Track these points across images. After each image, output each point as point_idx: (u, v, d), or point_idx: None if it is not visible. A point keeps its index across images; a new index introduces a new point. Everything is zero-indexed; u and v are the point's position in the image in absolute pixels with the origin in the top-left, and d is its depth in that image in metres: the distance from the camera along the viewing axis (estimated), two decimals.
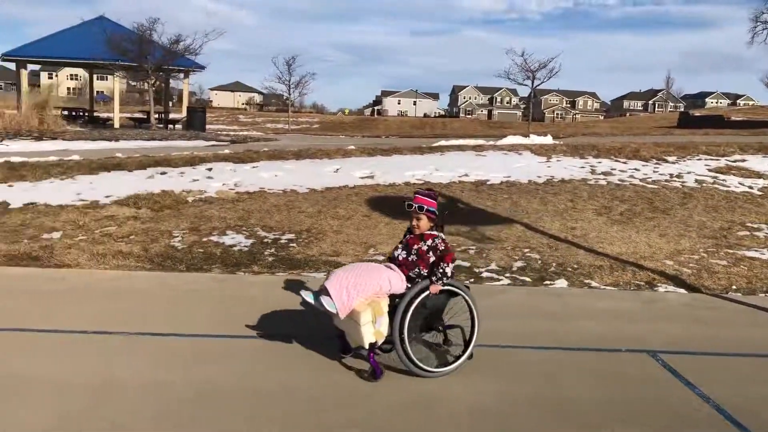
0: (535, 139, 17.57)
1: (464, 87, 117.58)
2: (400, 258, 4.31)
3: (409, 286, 4.23)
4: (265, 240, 7.79)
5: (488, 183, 11.15)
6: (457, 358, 4.31)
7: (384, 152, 14.57)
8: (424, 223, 4.27)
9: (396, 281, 4.19)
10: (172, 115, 31.23)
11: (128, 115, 33.63)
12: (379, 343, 4.12)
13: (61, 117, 26.98)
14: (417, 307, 4.14)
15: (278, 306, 5.48)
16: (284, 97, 52.55)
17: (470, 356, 4.35)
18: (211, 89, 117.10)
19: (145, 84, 42.98)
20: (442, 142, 17.09)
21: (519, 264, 7.09)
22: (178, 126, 28.95)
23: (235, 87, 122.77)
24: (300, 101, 71.88)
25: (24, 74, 29.24)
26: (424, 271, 4.24)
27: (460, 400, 3.94)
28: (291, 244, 7.63)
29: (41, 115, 24.44)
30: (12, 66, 32.23)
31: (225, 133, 29.41)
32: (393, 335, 4.09)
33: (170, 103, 34.93)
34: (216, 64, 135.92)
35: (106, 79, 70.04)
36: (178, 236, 7.80)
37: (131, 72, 30.53)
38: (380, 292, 4.12)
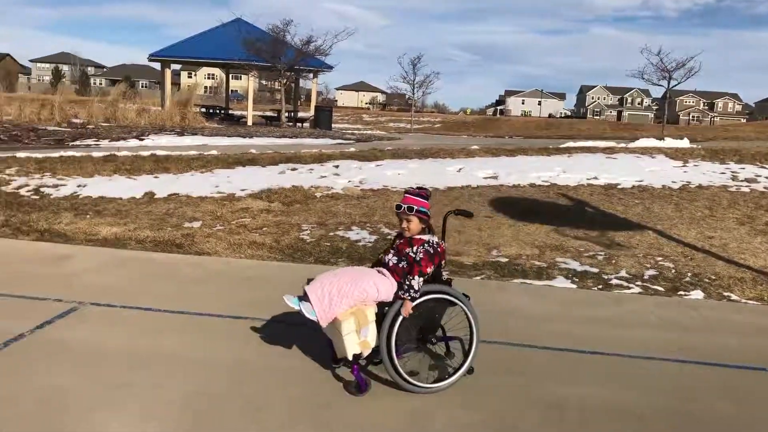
0: (670, 143, 16.69)
1: (592, 87, 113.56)
2: (391, 264, 3.93)
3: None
4: (388, 237, 7.91)
5: (619, 187, 10.73)
6: (455, 372, 3.98)
7: (508, 153, 14.39)
8: (414, 226, 3.90)
9: (385, 288, 3.82)
10: (300, 114, 32.42)
11: (259, 113, 35.27)
12: (365, 354, 3.80)
13: (200, 114, 28.72)
14: (407, 318, 3.80)
15: None
16: (407, 97, 53.07)
17: (470, 370, 4.02)
18: (337, 89, 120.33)
19: (276, 83, 44.88)
20: (570, 144, 16.62)
21: (651, 272, 6.77)
22: (306, 124, 30.02)
23: (360, 87, 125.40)
24: (422, 101, 72.29)
25: (168, 74, 31.41)
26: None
27: (589, 406, 3.83)
28: None
29: (183, 112, 26.18)
30: (156, 65, 34.70)
31: (350, 131, 30.13)
32: (380, 347, 3.77)
33: (298, 102, 36.22)
34: (342, 64, 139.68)
35: (240, 79, 73.79)
36: (306, 230, 8.10)
37: (264, 72, 32.00)
38: (367, 299, 3.77)
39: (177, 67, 67.05)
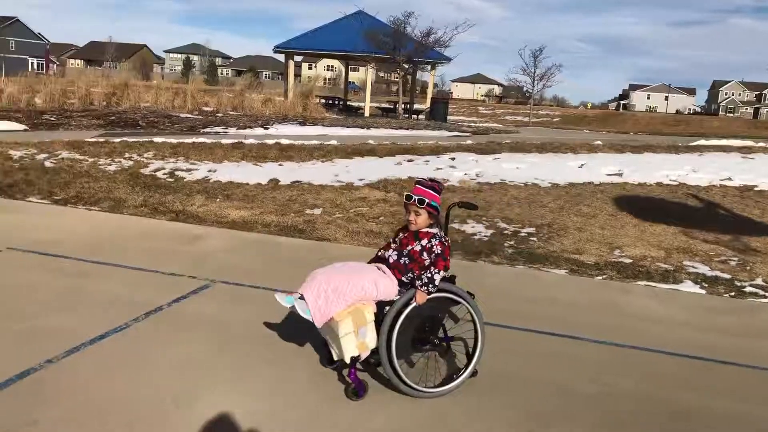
0: None
1: (727, 82, 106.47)
2: (391, 260, 3.70)
3: (403, 291, 3.66)
4: (505, 232, 7.82)
5: (756, 189, 10.02)
6: (458, 374, 3.78)
7: (634, 149, 13.80)
8: (422, 220, 3.64)
9: (385, 286, 3.59)
10: (416, 106, 32.55)
11: (376, 104, 35.76)
12: (363, 356, 3.56)
13: (320, 105, 29.52)
14: (409, 317, 3.58)
15: (520, 297, 5.50)
16: (524, 90, 51.97)
17: (474, 373, 3.82)
18: (453, 81, 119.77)
19: (394, 75, 45.24)
20: (702, 142, 15.71)
21: None
22: (422, 116, 30.12)
23: (476, 79, 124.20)
24: (540, 94, 70.58)
25: (291, 65, 32.45)
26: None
27: (718, 417, 3.63)
28: (531, 238, 7.58)
29: (305, 102, 27.00)
30: (280, 57, 35.97)
31: (466, 124, 29.95)
32: (380, 349, 3.54)
33: (414, 94, 36.38)
34: (458, 56, 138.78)
35: (358, 70, 75.14)
36: None
37: (383, 64, 32.37)
38: (365, 297, 3.54)
39: (298, 58, 69.51)
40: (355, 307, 3.52)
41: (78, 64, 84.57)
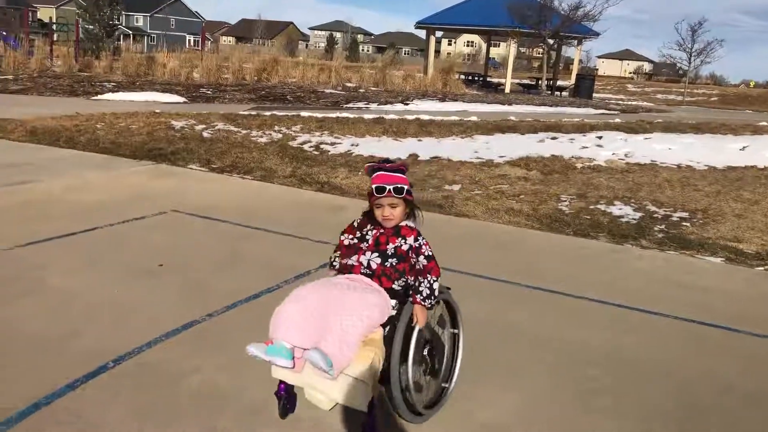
0: None
1: None
2: (375, 265, 2.93)
3: (394, 306, 2.92)
4: (655, 215, 7.43)
5: None
6: (444, 392, 3.19)
7: None
8: (400, 212, 2.96)
9: (385, 306, 2.86)
10: (559, 82, 31.51)
11: (517, 80, 34.97)
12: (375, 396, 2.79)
13: (460, 81, 29.34)
14: (416, 342, 2.84)
15: (667, 283, 5.24)
16: (678, 67, 48.66)
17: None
18: (599, 57, 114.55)
19: (536, 51, 43.95)
20: None
21: None
22: (565, 93, 29.12)
23: (624, 55, 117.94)
24: (696, 71, 65.76)
25: (432, 41, 32.46)
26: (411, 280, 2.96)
27: None
28: (683, 223, 7.15)
29: (445, 78, 26.96)
30: (421, 33, 36.04)
31: (613, 101, 28.59)
32: (391, 377, 2.76)
33: (558, 70, 35.17)
34: (606, 31, 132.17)
35: (498, 46, 73.66)
36: (565, 200, 7.93)
37: (526, 39, 31.55)
38: (373, 325, 2.79)
39: (439, 34, 69.36)
40: (370, 338, 2.78)
41: (230, 41, 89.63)
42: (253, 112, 14.24)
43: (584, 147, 10.89)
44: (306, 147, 10.67)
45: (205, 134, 11.16)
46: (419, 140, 11.56)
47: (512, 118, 14.58)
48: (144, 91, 18.77)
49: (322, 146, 10.74)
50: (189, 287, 4.54)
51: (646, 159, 10.06)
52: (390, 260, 2.94)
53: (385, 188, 2.89)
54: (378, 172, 2.96)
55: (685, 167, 9.71)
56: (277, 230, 6.01)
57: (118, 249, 5.26)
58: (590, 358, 3.84)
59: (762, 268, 5.81)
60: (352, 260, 2.99)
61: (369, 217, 3.05)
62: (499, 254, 5.88)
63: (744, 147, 10.83)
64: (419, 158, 10.11)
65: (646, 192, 8.36)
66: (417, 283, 2.90)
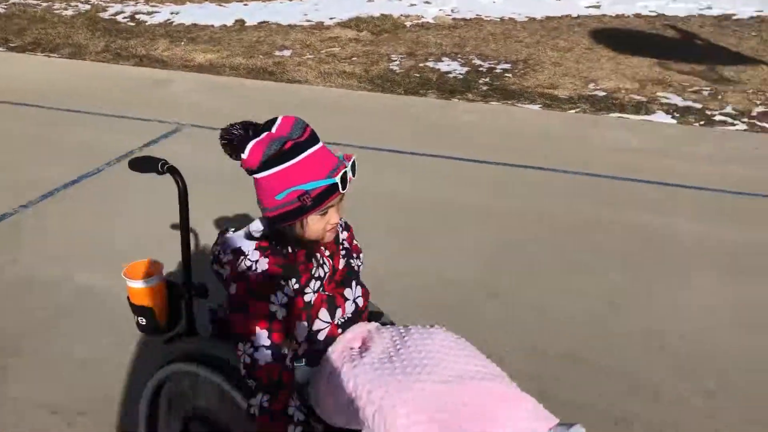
0: None
1: None
2: (360, 303, 1.82)
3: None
4: (480, 68, 7.69)
5: (734, 18, 9.83)
6: None
7: None
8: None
9: None
10: None
11: None
12: None
13: None
14: None
15: (489, 133, 5.55)
16: None
17: None
18: None
19: None
20: None
21: (760, 109, 6.37)
22: None
23: None
24: None
25: None
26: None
27: (688, 238, 3.82)
28: (506, 74, 7.48)
29: None
30: None
31: None
32: None
33: None
34: None
35: None
36: (396, 60, 7.97)
37: None
38: None
39: None
40: None
41: None
42: None
43: (412, 4, 10.84)
44: (119, 18, 9.74)
45: None
46: (245, 4, 10.92)
47: None
48: None
49: (137, 16, 9.85)
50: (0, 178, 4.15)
51: (472, 14, 10.24)
52: (360, 280, 1.89)
53: (347, 177, 1.62)
54: (297, 157, 1.59)
55: (507, 20, 10.00)
56: (92, 111, 5.56)
57: None
58: (412, 206, 4.04)
59: (573, 111, 6.29)
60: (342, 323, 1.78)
61: (288, 250, 1.67)
62: (336, 119, 5.88)
63: None
64: (246, 24, 9.60)
65: (471, 46, 8.58)
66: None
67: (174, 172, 1.87)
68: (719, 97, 6.72)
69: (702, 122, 6.04)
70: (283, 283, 1.60)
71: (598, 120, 6.05)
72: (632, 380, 2.67)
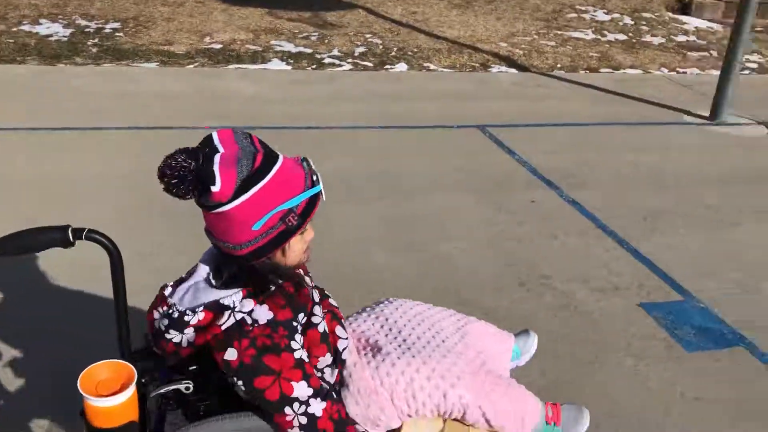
0: None
1: None
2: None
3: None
4: (87, 29, 7.09)
5: None
6: None
7: None
8: None
9: None
10: None
11: None
12: None
13: None
14: None
15: (106, 96, 5.20)
16: None
17: None
18: None
19: None
20: None
21: (361, 49, 7.06)
22: None
23: None
24: None
25: None
26: None
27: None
28: (117, 34, 7.02)
29: None
30: None
31: None
32: None
33: None
34: None
35: None
36: None
37: None
38: None
39: None
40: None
41: None
42: None
43: None
44: None
45: None
46: None
47: None
48: None
49: None
50: None
51: None
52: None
53: (319, 191, 1.35)
54: (269, 173, 1.28)
55: None
56: None
57: None
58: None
59: (192, 66, 6.21)
60: (353, 328, 1.68)
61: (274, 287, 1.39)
62: None
63: None
64: None
65: (73, 6, 7.82)
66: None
67: (96, 236, 1.39)
68: (326, 41, 7.26)
69: (314, 66, 6.48)
70: (294, 324, 1.34)
71: (218, 72, 6.08)
72: None
